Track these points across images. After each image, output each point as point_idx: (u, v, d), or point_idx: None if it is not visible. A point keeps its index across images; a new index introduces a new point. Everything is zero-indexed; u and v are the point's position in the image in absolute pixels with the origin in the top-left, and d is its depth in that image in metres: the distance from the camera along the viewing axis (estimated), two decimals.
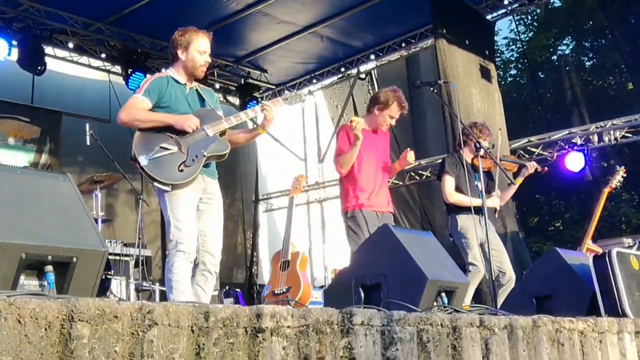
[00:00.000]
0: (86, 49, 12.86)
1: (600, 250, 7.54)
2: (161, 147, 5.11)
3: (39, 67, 11.62)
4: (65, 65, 13.08)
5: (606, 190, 8.66)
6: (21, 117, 11.65)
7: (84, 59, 13.16)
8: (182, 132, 5.18)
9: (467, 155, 7.56)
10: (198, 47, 5.41)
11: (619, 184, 8.75)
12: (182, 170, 5.10)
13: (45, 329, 2.13)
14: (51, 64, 12.12)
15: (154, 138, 5.15)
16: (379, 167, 6.90)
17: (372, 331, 3.06)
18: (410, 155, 6.81)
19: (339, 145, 6.77)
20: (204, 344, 2.50)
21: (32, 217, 3.16)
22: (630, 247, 8.78)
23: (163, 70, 5.65)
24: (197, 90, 5.54)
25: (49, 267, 3.10)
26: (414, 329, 3.24)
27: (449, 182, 7.55)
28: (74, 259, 3.16)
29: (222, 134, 5.40)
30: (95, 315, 2.22)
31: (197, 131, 5.22)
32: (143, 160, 5.04)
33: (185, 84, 5.46)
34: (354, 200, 6.67)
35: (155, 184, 5.08)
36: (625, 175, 8.72)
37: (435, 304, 4.53)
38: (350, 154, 6.60)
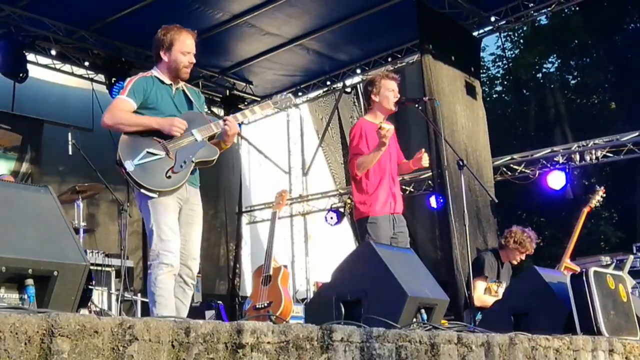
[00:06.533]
0: (69, 56, 12.76)
1: (578, 269, 7.63)
2: (148, 152, 4.92)
3: (21, 74, 11.52)
4: (48, 73, 12.96)
5: (585, 210, 8.73)
6: (2, 125, 11.52)
7: (67, 67, 13.05)
8: (169, 136, 5.01)
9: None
10: (181, 48, 5.21)
11: (598, 203, 8.85)
12: (169, 177, 4.93)
13: (25, 344, 2.13)
14: (33, 71, 12.01)
15: (141, 142, 4.96)
16: (393, 164, 6.57)
17: (351, 347, 3.07)
18: (425, 158, 6.54)
19: (356, 144, 6.42)
20: (184, 359, 2.50)
21: (12, 230, 3.13)
22: (607, 265, 8.84)
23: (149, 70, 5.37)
24: (183, 91, 5.35)
25: (30, 281, 3.07)
26: (392, 346, 3.26)
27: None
28: (55, 273, 3.14)
29: (210, 138, 5.22)
30: (75, 330, 2.22)
31: (186, 135, 5.05)
32: (129, 166, 4.84)
33: (171, 84, 5.26)
34: (372, 205, 6.31)
35: (142, 190, 4.88)
36: (604, 195, 8.81)
37: (414, 320, 4.55)
38: (372, 157, 6.25)
